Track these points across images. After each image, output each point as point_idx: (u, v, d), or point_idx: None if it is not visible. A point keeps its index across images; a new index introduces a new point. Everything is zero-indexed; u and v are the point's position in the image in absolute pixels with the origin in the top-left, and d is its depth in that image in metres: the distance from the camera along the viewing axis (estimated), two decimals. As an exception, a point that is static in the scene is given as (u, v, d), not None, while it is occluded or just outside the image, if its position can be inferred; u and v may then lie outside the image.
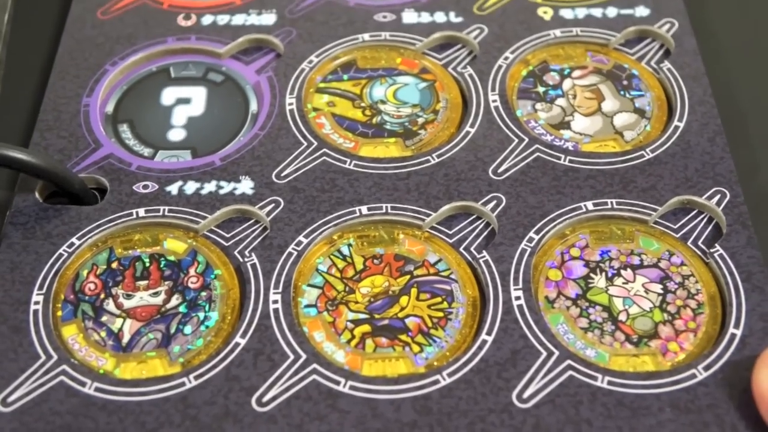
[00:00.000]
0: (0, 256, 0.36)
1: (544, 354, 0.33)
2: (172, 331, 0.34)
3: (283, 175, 0.38)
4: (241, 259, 0.36)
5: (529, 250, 0.36)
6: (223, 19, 0.44)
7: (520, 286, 0.35)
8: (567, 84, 0.42)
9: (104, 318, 0.35)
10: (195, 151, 0.40)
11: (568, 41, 0.44)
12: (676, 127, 0.40)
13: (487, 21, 0.44)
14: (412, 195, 0.38)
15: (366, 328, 0.34)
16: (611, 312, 0.35)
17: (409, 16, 0.44)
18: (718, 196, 0.37)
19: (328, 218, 0.37)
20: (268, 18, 0.44)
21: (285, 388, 0.32)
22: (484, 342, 0.33)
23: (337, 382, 0.32)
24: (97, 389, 0.32)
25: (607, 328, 0.34)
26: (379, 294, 0.35)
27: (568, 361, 0.33)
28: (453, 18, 0.44)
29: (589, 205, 0.37)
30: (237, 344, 0.33)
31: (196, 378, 0.33)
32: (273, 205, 0.37)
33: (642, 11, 0.45)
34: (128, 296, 0.35)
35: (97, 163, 0.39)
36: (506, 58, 0.43)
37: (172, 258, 0.36)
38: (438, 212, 0.37)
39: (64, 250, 0.36)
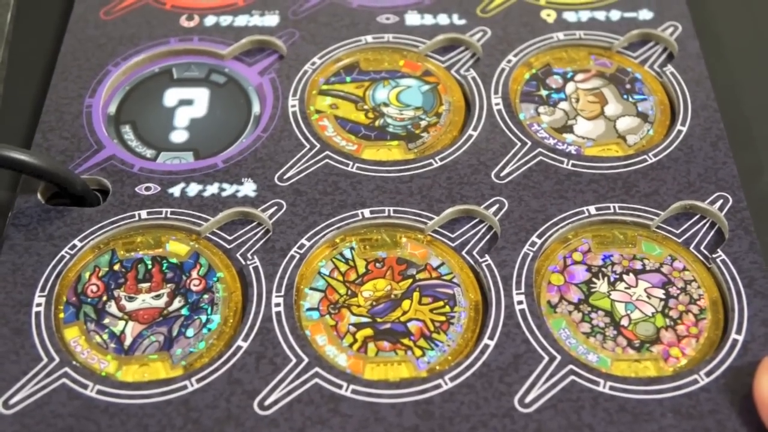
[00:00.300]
0: (2, 258, 0.36)
1: (546, 359, 0.33)
2: (175, 333, 0.34)
3: (285, 177, 0.38)
4: (243, 262, 0.36)
5: (531, 254, 0.36)
6: (225, 20, 0.44)
7: (523, 290, 0.35)
8: (570, 87, 0.42)
9: (106, 320, 0.35)
10: (197, 152, 0.40)
11: (572, 44, 0.44)
12: (679, 132, 0.40)
13: (490, 23, 0.44)
14: (414, 198, 0.38)
15: (368, 331, 0.34)
16: (613, 317, 0.35)
17: (412, 18, 0.44)
18: (721, 201, 0.37)
19: (331, 221, 0.37)
20: (271, 19, 0.44)
21: (287, 392, 0.32)
22: (486, 346, 0.33)
23: (339, 386, 0.32)
24: (99, 392, 0.32)
25: (609, 333, 0.34)
26: (382, 298, 0.35)
27: (570, 366, 0.33)
28: (456, 20, 0.44)
29: (592, 209, 0.37)
30: (239, 347, 0.33)
31: (198, 381, 0.33)
32: (275, 207, 0.37)
33: (645, 14, 0.44)
34: (130, 298, 0.35)
35: (99, 164, 0.39)
36: (509, 61, 0.43)
37: (174, 260, 0.36)
38: (440, 216, 0.37)
39: (66, 252, 0.36)
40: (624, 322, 0.35)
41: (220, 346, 0.34)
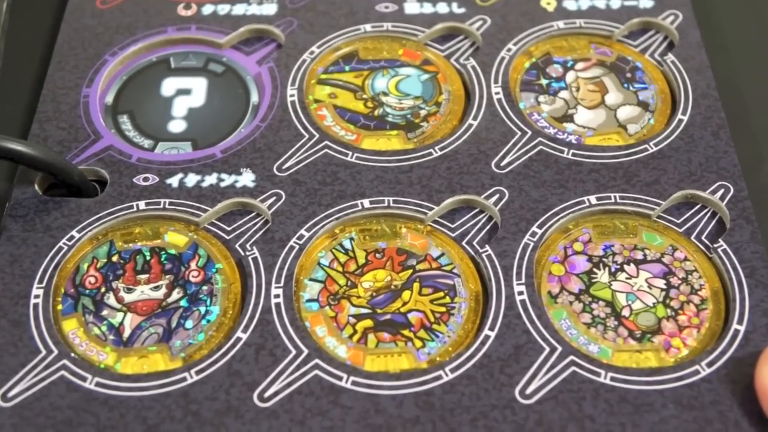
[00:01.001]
0: (-1, 249, 0.35)
1: (547, 349, 0.33)
2: (174, 325, 0.34)
3: (284, 167, 0.38)
4: (242, 253, 0.36)
5: (532, 244, 0.36)
6: (223, 9, 0.44)
7: (523, 280, 0.35)
8: (570, 76, 0.42)
9: (105, 312, 0.34)
10: (195, 143, 0.39)
11: (572, 33, 0.43)
12: (680, 121, 0.40)
13: (489, 12, 0.44)
14: (414, 188, 0.37)
15: (368, 323, 0.34)
16: (614, 307, 0.35)
17: (411, 7, 0.44)
18: (722, 191, 0.37)
19: (330, 212, 0.37)
20: (269, 8, 0.44)
21: (287, 384, 0.32)
22: (487, 337, 0.33)
23: (340, 378, 0.32)
24: (98, 384, 0.32)
25: (610, 324, 0.34)
26: (382, 288, 0.35)
27: (571, 357, 0.33)
28: (455, 9, 0.44)
29: (593, 199, 0.37)
30: (238, 339, 0.33)
31: (197, 373, 0.32)
32: (274, 198, 0.37)
33: (646, 2, 0.44)
34: (129, 290, 0.35)
35: (97, 154, 0.39)
36: (509, 50, 0.42)
37: (173, 251, 0.36)
38: (440, 206, 0.37)
39: (64, 243, 0.36)
40: (625, 312, 0.35)
41: (219, 337, 0.34)
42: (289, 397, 0.32)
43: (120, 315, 0.34)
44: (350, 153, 0.39)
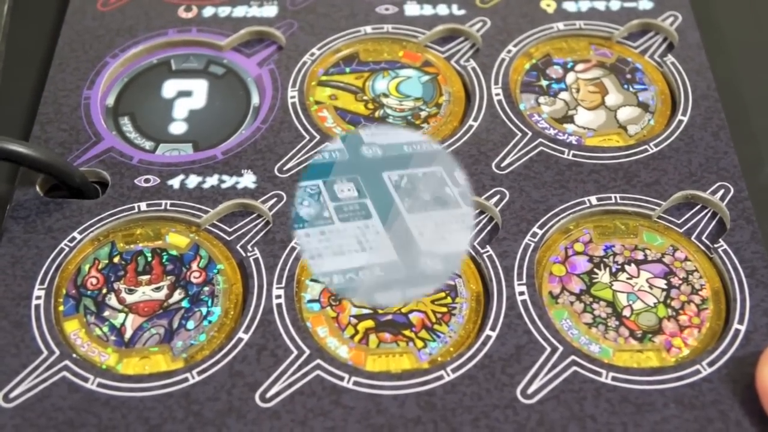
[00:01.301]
0: (1, 251, 0.35)
1: (549, 349, 0.33)
2: (175, 326, 0.34)
3: (285, 168, 0.38)
4: (243, 254, 0.36)
5: (532, 245, 0.36)
6: (224, 11, 0.44)
7: (524, 281, 0.35)
8: (570, 77, 0.42)
9: (106, 313, 0.34)
10: (196, 144, 0.39)
11: (572, 34, 0.43)
12: (680, 122, 0.40)
13: (489, 14, 0.44)
14: (415, 189, 0.37)
15: (369, 323, 0.34)
16: (615, 307, 0.35)
17: (412, 9, 0.44)
18: (722, 191, 0.37)
19: (331, 212, 0.37)
20: (270, 10, 0.44)
21: (288, 384, 0.32)
22: (488, 337, 0.33)
23: (341, 378, 0.32)
24: (99, 385, 0.32)
25: (611, 324, 0.34)
26: (383, 289, 0.35)
27: (573, 357, 0.33)
28: (455, 10, 0.44)
29: (593, 199, 0.37)
30: (240, 339, 0.33)
31: (199, 373, 0.32)
32: (275, 199, 0.37)
33: (645, 4, 0.44)
34: (130, 291, 0.35)
35: (98, 156, 0.39)
36: (509, 52, 0.42)
37: (174, 252, 0.36)
38: (441, 207, 0.37)
39: (66, 245, 0.36)
40: (626, 312, 0.35)
41: (220, 338, 0.34)
42: (290, 398, 0.32)
43: (121, 316, 0.34)
44: (351, 154, 0.39)
